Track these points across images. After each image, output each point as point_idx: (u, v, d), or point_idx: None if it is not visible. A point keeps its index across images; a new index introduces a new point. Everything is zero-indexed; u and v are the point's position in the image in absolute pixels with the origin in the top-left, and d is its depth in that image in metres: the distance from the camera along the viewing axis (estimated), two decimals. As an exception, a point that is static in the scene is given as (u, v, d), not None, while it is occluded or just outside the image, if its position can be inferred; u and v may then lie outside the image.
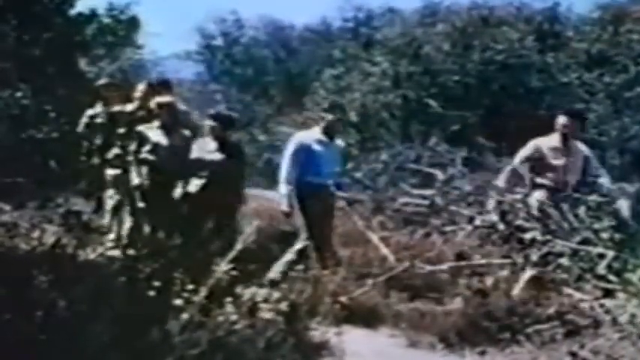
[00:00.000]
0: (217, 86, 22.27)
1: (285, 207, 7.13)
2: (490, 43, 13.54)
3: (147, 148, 7.14)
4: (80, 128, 7.78)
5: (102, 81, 8.24)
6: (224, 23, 26.76)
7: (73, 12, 5.38)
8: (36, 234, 5.43)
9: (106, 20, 5.78)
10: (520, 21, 14.84)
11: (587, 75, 13.73)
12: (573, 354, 4.92)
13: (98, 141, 7.74)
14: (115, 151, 7.57)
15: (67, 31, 5.36)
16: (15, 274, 4.31)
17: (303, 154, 7.20)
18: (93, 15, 5.57)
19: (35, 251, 5.04)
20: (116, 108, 7.87)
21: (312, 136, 7.40)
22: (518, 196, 7.20)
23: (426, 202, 8.83)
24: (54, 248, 5.06)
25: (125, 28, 5.97)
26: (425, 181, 9.78)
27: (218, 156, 7.06)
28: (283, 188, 7.14)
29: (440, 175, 9.53)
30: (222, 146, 7.12)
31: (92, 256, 5.30)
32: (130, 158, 7.22)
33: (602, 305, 5.39)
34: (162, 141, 7.20)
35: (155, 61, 20.91)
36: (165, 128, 7.23)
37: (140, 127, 7.26)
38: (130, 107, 7.78)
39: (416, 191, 9.27)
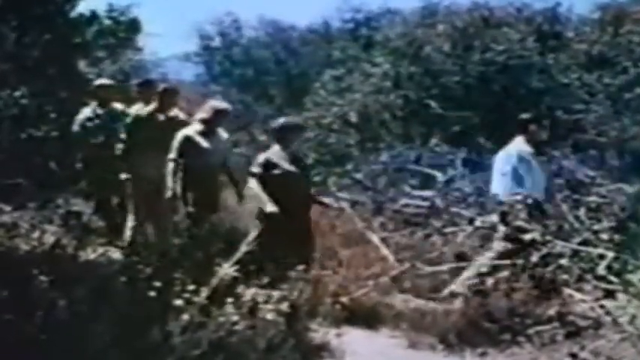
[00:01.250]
0: (217, 87, 22.24)
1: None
2: (490, 44, 13.52)
3: (193, 154, 6.94)
4: (75, 128, 7.69)
5: (98, 81, 8.16)
6: (222, 24, 26.74)
7: (73, 14, 5.38)
8: (36, 234, 5.44)
9: (107, 22, 5.77)
10: (520, 22, 14.83)
11: (587, 76, 13.72)
12: (574, 355, 4.92)
13: (120, 144, 7.48)
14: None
15: (68, 33, 5.35)
16: (15, 275, 4.31)
17: (524, 168, 6.70)
18: (93, 17, 5.56)
19: (35, 251, 5.04)
20: (135, 111, 7.65)
21: (524, 147, 6.83)
22: (519, 197, 7.20)
23: (427, 204, 8.83)
24: (54, 248, 5.07)
25: (125, 30, 5.96)
26: (425, 182, 9.77)
27: (294, 167, 6.46)
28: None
29: (440, 176, 9.53)
30: (291, 156, 6.57)
31: (92, 256, 5.31)
32: (173, 165, 6.94)
33: (602, 306, 5.39)
34: (206, 145, 7.03)
35: (155, 62, 20.86)
36: (206, 133, 7.04)
37: (187, 133, 7.03)
38: (146, 110, 7.56)
39: (416, 192, 9.27)
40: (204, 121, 7.09)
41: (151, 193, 7.20)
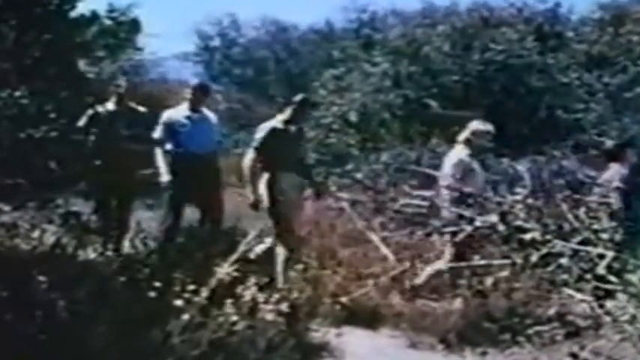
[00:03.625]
0: (217, 86, 22.26)
1: None
2: (490, 44, 13.54)
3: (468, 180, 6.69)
4: (158, 134, 7.37)
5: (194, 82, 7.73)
6: (221, 24, 26.78)
7: (73, 14, 5.37)
8: (36, 234, 5.44)
9: (107, 22, 5.76)
10: (520, 22, 14.85)
11: (586, 75, 13.73)
12: (574, 355, 4.92)
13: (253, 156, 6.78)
14: None
15: (68, 33, 5.35)
16: (15, 275, 4.31)
17: None
18: (94, 17, 5.55)
19: (35, 251, 5.04)
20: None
21: None
22: (519, 197, 7.19)
23: (427, 203, 8.83)
24: (54, 248, 5.07)
25: (126, 30, 5.94)
26: (425, 182, 9.76)
27: None
28: None
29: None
30: None
31: (92, 256, 5.31)
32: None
33: (602, 306, 5.39)
34: (479, 171, 6.85)
35: (155, 62, 20.88)
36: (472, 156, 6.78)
37: (462, 156, 6.70)
38: (279, 120, 6.93)
39: (416, 192, 9.26)
40: (468, 142, 6.78)
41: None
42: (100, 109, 7.57)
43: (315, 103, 7.43)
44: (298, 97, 7.06)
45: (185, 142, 7.25)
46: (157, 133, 7.36)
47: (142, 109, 7.83)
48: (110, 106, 7.69)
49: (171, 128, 7.31)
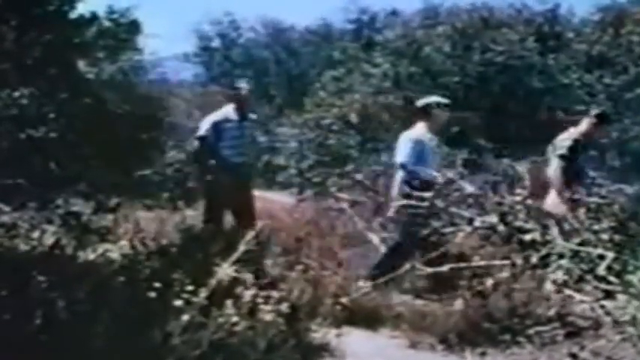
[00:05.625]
0: (217, 87, 22.28)
1: None
2: (490, 45, 13.55)
3: None
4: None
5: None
6: (220, 25, 26.81)
7: (73, 15, 5.37)
8: (36, 234, 5.43)
9: (107, 23, 5.76)
10: (520, 23, 14.85)
11: (587, 76, 13.73)
12: (574, 355, 4.92)
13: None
14: None
15: (67, 34, 5.35)
16: (15, 275, 4.31)
17: None
18: (93, 18, 5.55)
19: (35, 252, 5.04)
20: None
21: None
22: (518, 198, 7.18)
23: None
24: (53, 249, 5.06)
25: (126, 32, 5.95)
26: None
27: None
28: None
29: (440, 176, 9.51)
30: None
31: (92, 256, 5.31)
32: None
33: (602, 307, 5.39)
34: None
35: (155, 62, 20.88)
36: None
37: None
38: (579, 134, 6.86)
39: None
40: None
41: None
42: (221, 117, 7.36)
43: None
44: (595, 111, 7.02)
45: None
46: (406, 157, 7.18)
47: (254, 116, 7.70)
48: (232, 114, 7.37)
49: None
